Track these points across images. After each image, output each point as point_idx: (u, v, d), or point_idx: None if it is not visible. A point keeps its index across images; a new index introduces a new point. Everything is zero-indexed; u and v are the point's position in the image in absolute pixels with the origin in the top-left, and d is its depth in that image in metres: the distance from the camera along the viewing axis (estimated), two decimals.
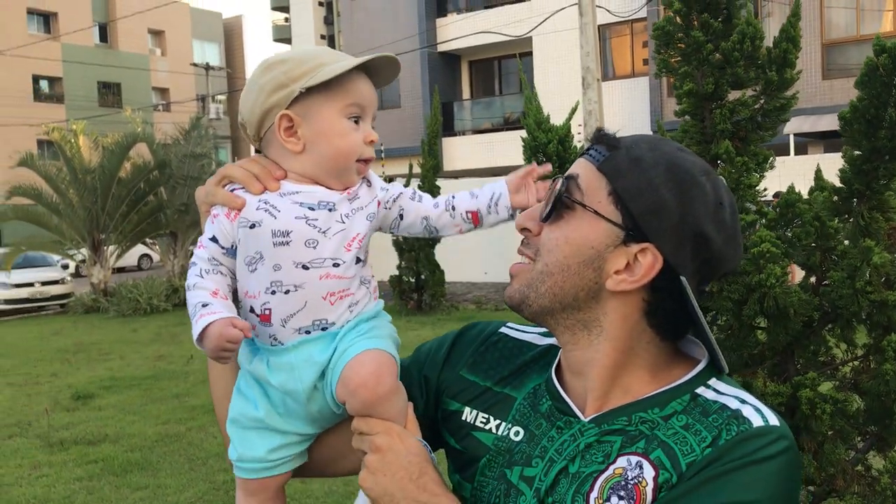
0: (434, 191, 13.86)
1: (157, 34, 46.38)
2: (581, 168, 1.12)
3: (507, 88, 26.77)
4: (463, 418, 1.22)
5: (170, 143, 18.75)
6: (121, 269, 24.69)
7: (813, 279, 2.32)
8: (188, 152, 18.34)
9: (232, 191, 1.22)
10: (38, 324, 16.47)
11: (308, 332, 1.23)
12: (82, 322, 16.08)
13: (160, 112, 42.57)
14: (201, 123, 19.27)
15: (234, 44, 53.66)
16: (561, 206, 1.10)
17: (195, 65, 42.19)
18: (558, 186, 1.10)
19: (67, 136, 18.03)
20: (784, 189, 2.33)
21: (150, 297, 16.77)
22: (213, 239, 1.23)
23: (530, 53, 24.34)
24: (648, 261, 1.05)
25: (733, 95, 2.36)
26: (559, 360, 1.18)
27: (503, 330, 1.31)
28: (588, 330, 1.11)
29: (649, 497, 1.00)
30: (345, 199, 1.24)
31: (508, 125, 25.22)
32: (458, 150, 25.90)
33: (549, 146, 5.49)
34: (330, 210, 1.21)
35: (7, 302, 18.33)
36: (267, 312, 1.22)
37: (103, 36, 43.77)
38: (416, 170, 13.99)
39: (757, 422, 1.01)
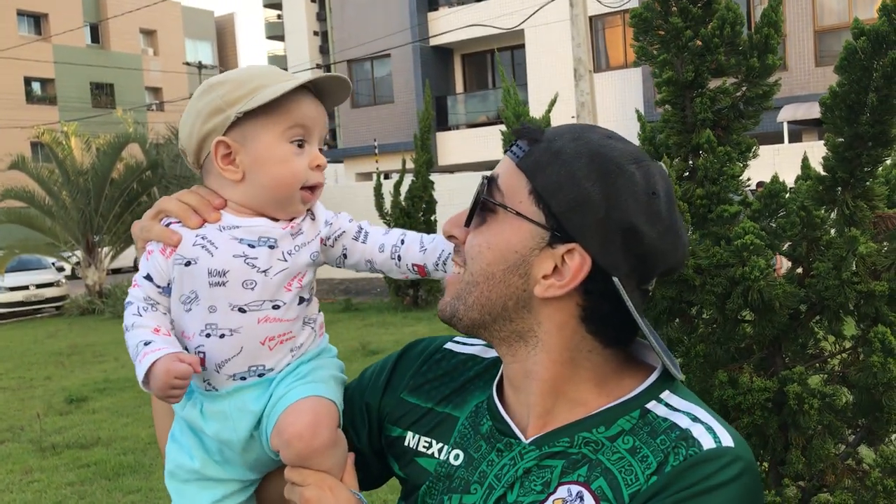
0: (428, 186, 13.82)
1: (148, 34, 46.28)
2: (502, 167, 1.04)
3: (500, 81, 26.71)
4: (406, 444, 1.15)
5: (162, 143, 18.65)
6: (116, 271, 24.60)
7: (799, 270, 2.27)
8: (179, 151, 18.24)
9: (168, 225, 1.15)
10: (33, 327, 16.41)
11: (244, 379, 1.17)
12: (77, 324, 16.03)
13: (154, 112, 42.44)
14: None
15: (227, 42, 53.52)
16: (482, 210, 1.03)
17: (188, 64, 42.06)
18: (477, 197, 1.03)
19: (59, 138, 17.96)
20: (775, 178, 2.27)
21: None
22: (148, 277, 1.16)
23: (523, 46, 24.26)
24: (576, 262, 0.97)
25: (714, 83, 2.30)
26: (501, 374, 1.11)
27: (448, 345, 1.23)
28: (524, 341, 1.03)
29: None
30: (288, 234, 1.17)
31: (503, 119, 25.15)
32: (453, 145, 25.82)
33: None
34: (271, 247, 1.15)
35: (2, 305, 18.26)
36: (201, 356, 1.16)
37: (95, 36, 43.66)
38: (410, 165, 13.93)
39: (708, 443, 0.93)
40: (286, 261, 1.15)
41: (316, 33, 43.66)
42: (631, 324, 0.99)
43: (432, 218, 13.79)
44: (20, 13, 39.77)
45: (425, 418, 1.15)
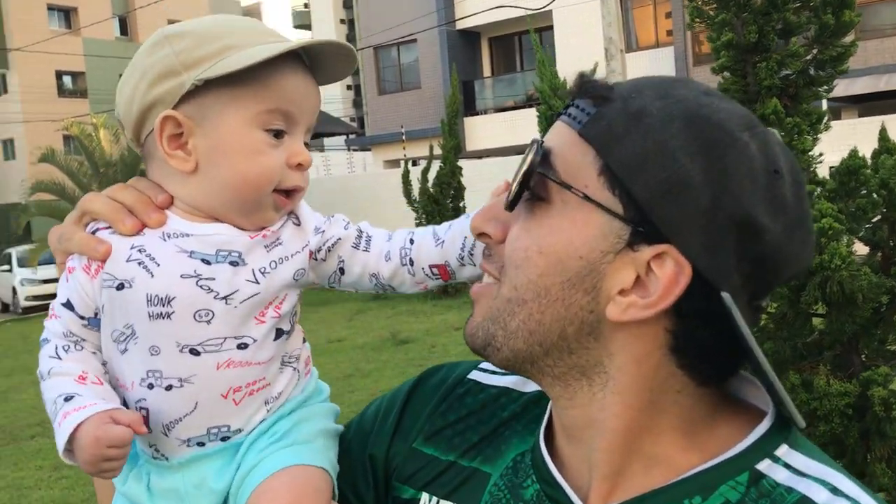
0: (456, 171, 13.61)
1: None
2: (557, 137, 0.75)
3: (528, 64, 26.28)
4: None
5: None
6: None
7: (879, 256, 2.01)
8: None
9: (94, 232, 0.88)
10: None
11: (201, 445, 0.89)
12: None
13: None
14: None
15: None
16: (529, 198, 0.75)
17: None
18: (524, 167, 0.74)
19: (88, 130, 18.11)
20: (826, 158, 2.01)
21: None
22: (68, 304, 0.89)
23: (551, 27, 23.88)
24: (669, 271, 0.69)
25: (781, 47, 2.03)
26: (549, 415, 0.83)
27: (473, 375, 0.94)
28: (588, 379, 0.75)
29: None
30: (259, 245, 0.89)
31: (532, 102, 24.80)
32: (481, 130, 25.54)
33: None
34: (233, 264, 0.86)
35: (34, 298, 18.45)
36: (144, 413, 0.88)
37: (123, 29, 44.00)
38: (438, 151, 13.76)
39: None
40: (257, 283, 0.87)
41: (343, 21, 43.60)
42: (734, 353, 0.73)
43: (461, 204, 13.59)
44: (50, 7, 40.23)
45: (445, 475, 0.87)
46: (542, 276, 0.73)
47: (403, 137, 24.27)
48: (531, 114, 22.27)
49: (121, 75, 0.94)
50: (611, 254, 0.71)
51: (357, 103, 42.63)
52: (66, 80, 41.78)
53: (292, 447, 0.89)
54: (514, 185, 0.74)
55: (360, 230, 0.95)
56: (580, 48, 22.94)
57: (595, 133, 0.72)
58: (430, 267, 0.94)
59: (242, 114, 0.86)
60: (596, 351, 0.74)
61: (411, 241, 0.94)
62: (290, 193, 0.90)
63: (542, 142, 0.74)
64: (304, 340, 0.97)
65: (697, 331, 0.72)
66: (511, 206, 0.76)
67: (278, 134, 0.88)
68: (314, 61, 0.91)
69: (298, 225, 0.92)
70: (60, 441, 0.83)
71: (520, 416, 0.87)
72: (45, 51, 36.64)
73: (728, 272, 0.69)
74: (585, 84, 0.74)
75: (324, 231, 0.93)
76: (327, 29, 42.85)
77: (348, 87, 48.16)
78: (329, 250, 0.93)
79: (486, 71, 27.13)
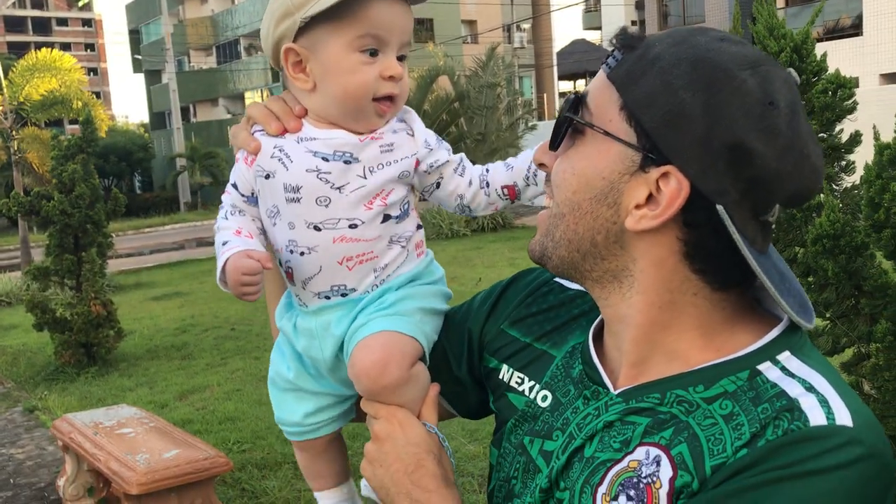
0: None
1: None
2: (596, 80, 0.91)
3: None
4: (500, 377, 1.08)
5: (469, 75, 19.58)
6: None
7: None
8: (485, 83, 19.02)
9: (253, 133, 1.13)
10: None
11: (328, 298, 1.13)
12: None
13: (468, 45, 44.31)
14: (496, 53, 19.80)
15: None
16: (568, 131, 0.91)
17: None
18: (562, 107, 0.91)
19: None
20: None
21: (451, 222, 17.92)
22: (235, 185, 1.16)
23: None
24: (672, 187, 0.83)
25: None
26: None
27: (558, 279, 1.11)
28: (619, 281, 0.91)
29: (663, 501, 0.82)
30: (374, 147, 1.10)
31: (833, 33, 22.42)
32: None
33: (782, 56, 4.42)
34: (347, 162, 1.08)
35: None
36: (289, 271, 1.15)
37: None
38: None
39: (817, 418, 0.77)
40: (365, 178, 1.09)
41: None
42: (746, 264, 0.83)
43: None
44: None
45: (522, 353, 1.08)
46: (575, 192, 0.90)
47: None
48: (836, 47, 20.16)
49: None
50: (627, 175, 0.86)
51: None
52: None
53: (392, 317, 1.10)
54: (553, 130, 0.93)
55: (462, 159, 1.18)
56: None
57: (617, 76, 0.87)
58: (502, 187, 1.16)
59: (340, 41, 1.06)
60: (622, 257, 0.90)
61: (487, 171, 1.18)
62: (389, 100, 1.10)
63: (579, 92, 0.92)
64: (420, 227, 1.18)
65: (705, 239, 0.85)
66: (552, 145, 0.94)
67: (374, 53, 1.07)
68: None
69: (412, 136, 1.14)
70: (217, 272, 1.09)
71: (587, 314, 1.05)
72: None
73: (724, 189, 0.82)
74: (619, 36, 0.89)
75: (432, 149, 1.14)
76: None
77: (633, 23, 46.65)
78: (434, 167, 1.15)
79: (780, 1, 24.87)
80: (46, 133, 16.17)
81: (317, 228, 1.10)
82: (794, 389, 0.81)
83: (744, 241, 0.83)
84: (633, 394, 0.90)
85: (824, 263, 2.21)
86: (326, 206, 1.09)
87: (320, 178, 1.08)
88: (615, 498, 0.85)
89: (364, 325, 1.11)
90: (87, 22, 71.93)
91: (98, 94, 46.68)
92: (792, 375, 0.83)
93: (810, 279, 2.35)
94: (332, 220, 1.09)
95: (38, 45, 20.86)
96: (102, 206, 7.54)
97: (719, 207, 0.82)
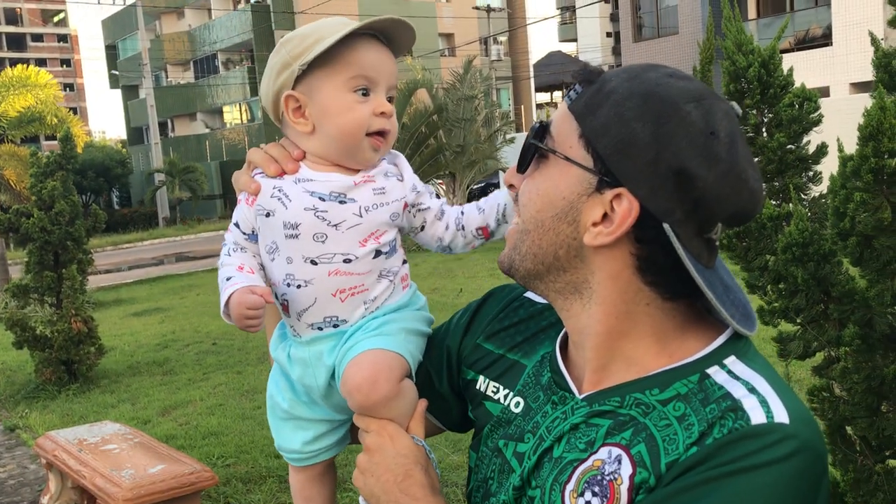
0: None
1: None
2: (557, 112, 1.01)
3: (799, 3, 24.10)
4: (477, 387, 1.17)
5: (447, 88, 19.67)
6: None
7: None
8: (462, 95, 19.13)
9: (254, 175, 1.21)
10: None
11: (320, 329, 1.21)
12: None
13: (446, 57, 44.56)
14: (473, 66, 19.93)
15: None
16: (534, 156, 1.01)
17: (477, 8, 43.42)
18: (529, 134, 1.01)
19: None
20: None
21: None
22: (237, 224, 1.24)
23: None
24: (624, 207, 0.92)
25: None
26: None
27: (528, 294, 1.21)
28: (580, 293, 1.00)
29: (624, 498, 0.90)
30: (367, 189, 1.19)
31: (804, 43, 22.80)
32: None
33: (750, 71, 4.56)
34: (341, 202, 1.17)
35: None
36: (285, 303, 1.22)
37: None
38: None
39: (758, 417, 0.86)
40: (361, 216, 1.17)
41: None
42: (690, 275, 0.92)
43: None
44: None
45: (497, 364, 1.16)
46: (539, 211, 0.99)
47: None
48: (803, 58, 20.51)
49: None
50: (584, 195, 0.95)
51: (616, 51, 41.79)
52: None
53: (378, 337, 1.18)
54: (520, 154, 1.02)
55: (442, 204, 1.27)
56: None
57: (577, 107, 0.97)
58: (476, 229, 1.27)
59: (335, 83, 1.16)
60: (582, 270, 0.98)
61: (462, 213, 1.27)
62: (380, 135, 1.19)
63: (544, 121, 1.02)
64: (405, 262, 1.27)
65: (656, 255, 0.94)
66: (520, 168, 1.03)
67: (365, 92, 1.17)
68: (389, 37, 1.21)
69: (401, 181, 1.23)
70: (221, 305, 1.17)
71: (553, 326, 1.14)
72: (321, 13, 40.04)
73: (670, 209, 0.91)
74: (580, 71, 0.99)
75: (419, 192, 1.25)
76: None
77: (608, 35, 47.23)
78: (420, 211, 1.25)
79: (752, 12, 25.25)
80: (24, 150, 16.12)
81: (313, 262, 1.18)
82: (738, 391, 0.90)
83: (688, 256, 0.92)
84: (596, 398, 0.98)
85: (794, 271, 2.28)
86: (323, 241, 1.17)
87: (317, 216, 1.17)
88: (581, 494, 0.93)
89: (352, 346, 1.19)
90: (62, 38, 71.50)
91: (75, 110, 46.32)
92: (737, 378, 0.92)
93: (781, 286, 2.42)
94: (329, 254, 1.18)
95: (14, 62, 20.77)
96: (83, 223, 7.51)
97: (666, 226, 0.91)
